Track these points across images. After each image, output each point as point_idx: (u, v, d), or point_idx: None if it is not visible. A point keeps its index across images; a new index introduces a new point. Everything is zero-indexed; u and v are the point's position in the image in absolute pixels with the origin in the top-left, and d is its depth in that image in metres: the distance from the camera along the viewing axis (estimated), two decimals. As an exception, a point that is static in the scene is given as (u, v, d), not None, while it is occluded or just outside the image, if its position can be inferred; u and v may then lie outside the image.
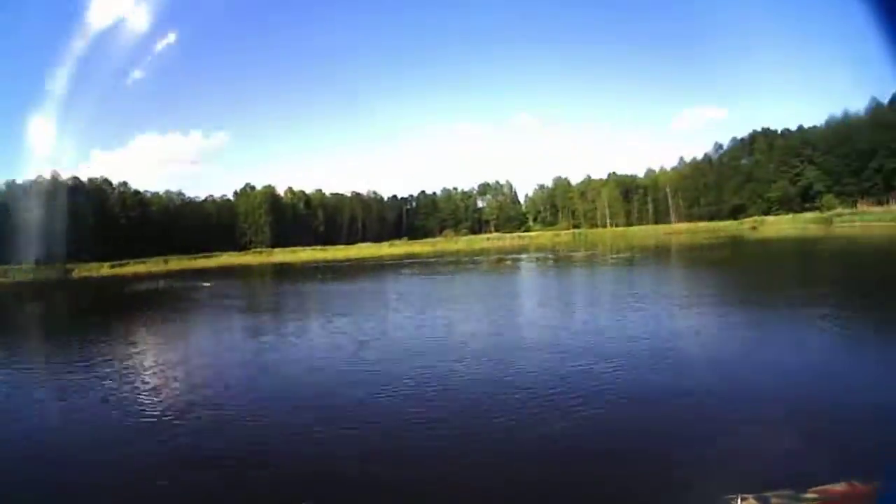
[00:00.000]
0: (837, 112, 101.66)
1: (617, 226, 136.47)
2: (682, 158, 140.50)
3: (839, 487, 4.39)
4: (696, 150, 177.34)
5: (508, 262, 53.11)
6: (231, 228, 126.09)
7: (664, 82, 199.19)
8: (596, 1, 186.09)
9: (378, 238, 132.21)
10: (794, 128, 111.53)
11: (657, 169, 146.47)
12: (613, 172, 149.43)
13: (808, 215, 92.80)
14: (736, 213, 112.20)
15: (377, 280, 45.05)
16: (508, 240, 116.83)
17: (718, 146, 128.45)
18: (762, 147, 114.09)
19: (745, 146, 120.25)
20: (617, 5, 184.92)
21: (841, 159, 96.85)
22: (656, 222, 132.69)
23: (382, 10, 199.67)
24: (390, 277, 45.70)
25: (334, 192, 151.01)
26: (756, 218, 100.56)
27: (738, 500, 4.46)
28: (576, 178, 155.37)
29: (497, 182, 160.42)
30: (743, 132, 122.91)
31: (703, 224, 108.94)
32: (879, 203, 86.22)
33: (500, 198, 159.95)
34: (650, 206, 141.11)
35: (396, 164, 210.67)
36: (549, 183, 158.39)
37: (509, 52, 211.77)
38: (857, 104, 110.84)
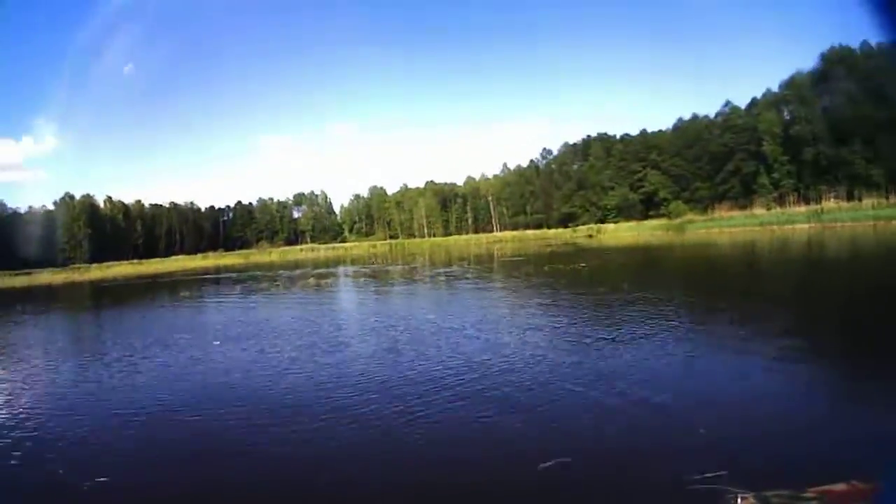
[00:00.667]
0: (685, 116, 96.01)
1: (434, 235, 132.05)
2: (505, 165, 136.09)
3: (839, 487, 4.22)
4: (523, 157, 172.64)
5: (312, 280, 40.69)
6: (51, 242, 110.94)
7: (490, 89, 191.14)
8: (414, 6, 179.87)
9: (195, 250, 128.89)
10: (635, 132, 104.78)
11: (478, 177, 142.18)
12: (431, 181, 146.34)
13: (655, 222, 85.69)
14: (566, 221, 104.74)
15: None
16: (323, 251, 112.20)
17: (547, 152, 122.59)
18: (598, 153, 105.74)
19: (577, 152, 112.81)
20: (438, 12, 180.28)
21: (690, 163, 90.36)
22: (476, 231, 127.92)
23: (200, 18, 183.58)
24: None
25: (154, 202, 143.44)
26: (592, 226, 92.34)
27: (738, 500, 4.30)
28: (393, 188, 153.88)
29: (312, 192, 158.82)
30: (573, 139, 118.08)
31: (530, 232, 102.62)
32: (742, 207, 77.04)
33: (316, 208, 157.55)
34: (469, 215, 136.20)
35: (214, 174, 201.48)
36: (365, 193, 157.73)
37: (327, 57, 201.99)
38: (708, 109, 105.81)
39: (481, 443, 7.11)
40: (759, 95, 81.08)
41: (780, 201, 72.66)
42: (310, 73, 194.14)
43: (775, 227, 60.35)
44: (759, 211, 70.94)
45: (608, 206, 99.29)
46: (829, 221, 56.59)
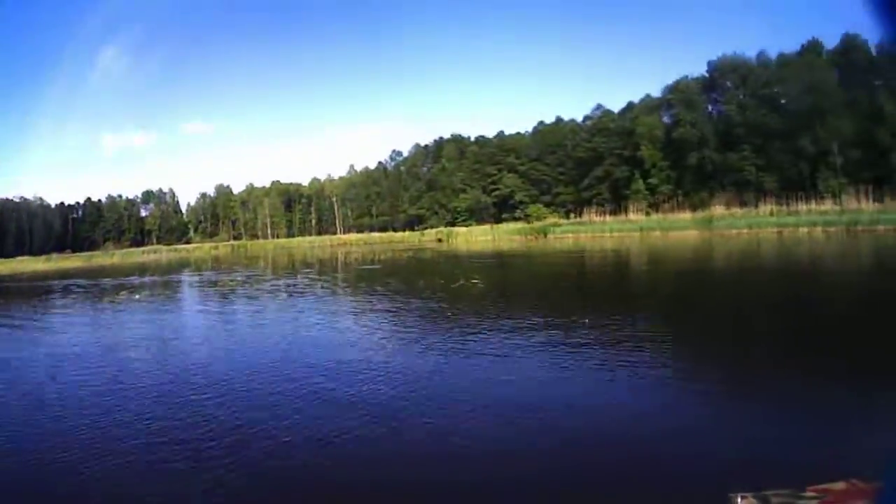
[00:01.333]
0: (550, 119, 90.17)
1: (278, 237, 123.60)
2: (352, 166, 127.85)
3: (839, 486, 4.09)
4: (373, 159, 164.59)
5: (129, 293, 30.72)
6: None
7: (336, 92, 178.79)
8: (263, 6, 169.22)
9: (43, 250, 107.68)
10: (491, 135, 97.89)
11: (323, 178, 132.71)
12: (277, 181, 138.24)
13: (511, 225, 77.42)
14: (413, 223, 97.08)
15: None
16: (166, 253, 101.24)
17: (397, 153, 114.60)
18: (451, 154, 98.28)
19: (429, 153, 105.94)
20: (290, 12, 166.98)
21: (552, 168, 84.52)
22: (320, 233, 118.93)
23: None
24: None
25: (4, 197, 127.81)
26: (442, 229, 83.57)
27: (738, 499, 4.08)
28: (239, 187, 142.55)
29: (161, 190, 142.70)
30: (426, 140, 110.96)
31: (376, 235, 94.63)
32: (614, 213, 70.74)
33: (164, 206, 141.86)
34: (314, 216, 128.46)
35: (62, 168, 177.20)
36: (211, 191, 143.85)
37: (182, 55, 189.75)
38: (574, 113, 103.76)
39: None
40: (636, 100, 77.26)
41: (656, 207, 67.89)
42: (167, 75, 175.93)
43: (658, 232, 55.61)
44: (635, 216, 65.39)
45: (459, 209, 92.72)
46: (723, 228, 51.36)
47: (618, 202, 71.80)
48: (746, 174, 61.37)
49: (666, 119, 70.62)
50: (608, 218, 67.30)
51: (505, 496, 5.52)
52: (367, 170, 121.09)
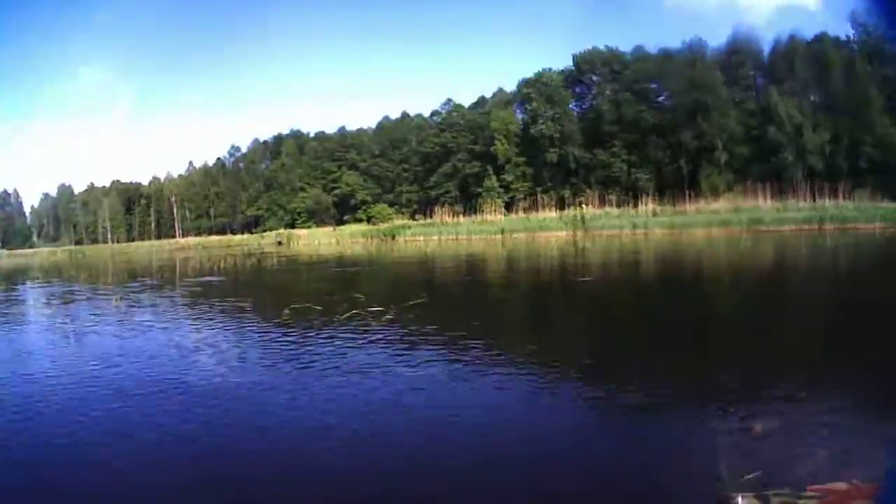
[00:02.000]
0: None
1: (119, 241, 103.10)
2: (191, 163, 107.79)
3: (839, 486, 3.78)
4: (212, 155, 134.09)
5: None
6: None
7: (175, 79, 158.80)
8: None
9: None
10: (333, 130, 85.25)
11: (163, 176, 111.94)
12: (118, 180, 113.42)
13: (355, 227, 65.40)
14: (252, 225, 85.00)
15: None
16: (5, 260, 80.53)
17: (235, 149, 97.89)
18: (291, 150, 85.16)
19: (268, 149, 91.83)
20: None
21: (396, 164, 72.77)
22: (160, 237, 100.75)
23: None
24: None
25: None
26: (282, 231, 71.25)
27: (739, 499, 3.70)
28: (82, 186, 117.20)
29: (5, 190, 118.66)
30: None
31: (214, 238, 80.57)
32: (467, 212, 58.34)
33: (8, 209, 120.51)
34: (153, 219, 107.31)
35: None
36: (53, 191, 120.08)
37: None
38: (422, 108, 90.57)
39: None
40: (488, 95, 67.55)
41: (510, 206, 57.98)
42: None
43: (522, 234, 44.59)
44: (493, 216, 53.72)
45: (298, 209, 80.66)
46: (598, 228, 41.18)
47: (468, 200, 61.49)
48: (616, 172, 53.27)
49: (523, 114, 61.50)
50: (462, 218, 55.84)
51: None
52: (206, 167, 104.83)
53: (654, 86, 54.40)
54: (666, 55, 52.80)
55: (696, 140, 49.46)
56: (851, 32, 47.50)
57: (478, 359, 7.61)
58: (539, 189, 57.29)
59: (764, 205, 40.54)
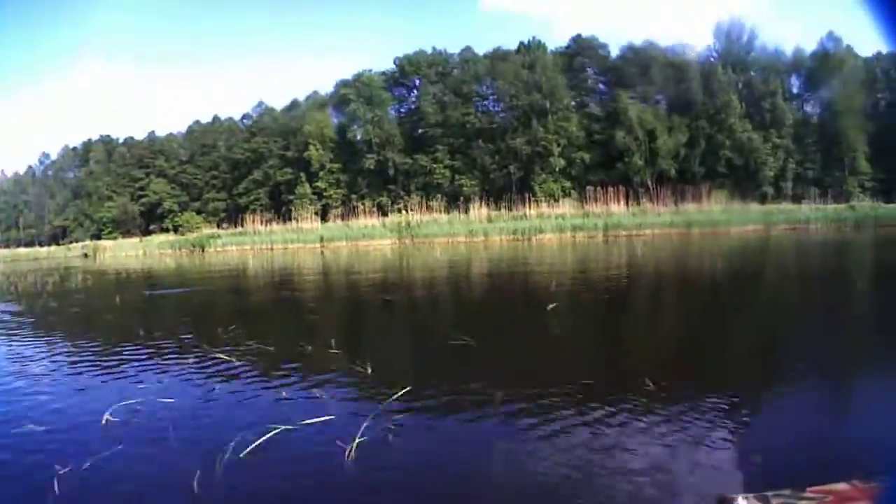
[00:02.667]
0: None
1: None
2: (2, 172, 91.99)
3: (840, 487, 3.39)
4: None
5: None
6: None
7: None
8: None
9: None
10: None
11: None
12: None
13: (163, 237, 55.28)
14: (59, 237, 73.76)
15: None
16: None
17: (45, 156, 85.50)
18: (100, 157, 73.77)
19: (77, 156, 79.69)
20: None
21: (205, 171, 62.90)
22: None
23: None
24: None
25: None
26: (88, 243, 60.69)
27: (739, 499, 3.20)
28: None
29: None
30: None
31: (22, 251, 67.90)
32: (279, 220, 49.32)
33: None
34: None
35: None
36: None
37: None
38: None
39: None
40: (301, 97, 57.94)
41: (324, 214, 49.11)
42: None
43: (344, 242, 37.14)
44: (308, 224, 44.46)
45: (105, 219, 68.87)
46: (426, 235, 34.35)
47: (279, 208, 52.22)
48: (438, 178, 44.63)
49: (340, 117, 52.62)
50: (275, 226, 46.58)
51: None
52: (17, 175, 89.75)
53: (483, 88, 46.78)
54: (501, 56, 44.68)
55: (529, 145, 41.75)
56: (713, 41, 44.38)
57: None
58: (354, 196, 47.80)
59: (618, 209, 35.60)
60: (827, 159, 42.48)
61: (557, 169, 41.35)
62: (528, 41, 45.75)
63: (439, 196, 42.56)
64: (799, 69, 44.98)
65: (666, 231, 30.86)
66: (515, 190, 40.37)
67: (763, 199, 39.75)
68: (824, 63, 42.80)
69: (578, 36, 45.19)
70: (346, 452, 3.67)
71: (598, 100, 44.75)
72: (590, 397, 4.51)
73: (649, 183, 38.50)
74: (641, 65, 41.58)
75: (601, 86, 45.44)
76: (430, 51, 48.15)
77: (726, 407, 4.34)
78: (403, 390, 4.72)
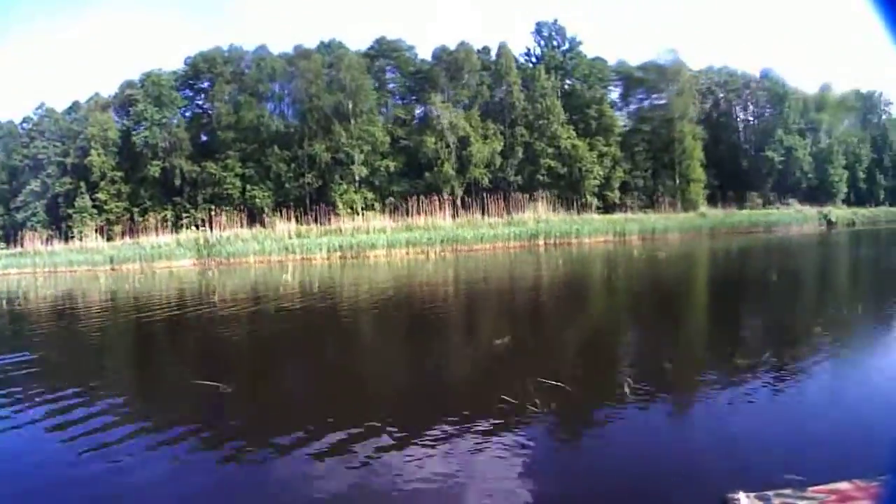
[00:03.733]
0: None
1: None
2: None
3: (841, 486, 3.67)
4: None
5: None
6: None
7: None
8: None
9: None
10: None
11: None
12: None
13: None
14: None
15: None
16: None
17: None
18: None
19: None
20: None
21: None
22: None
23: None
24: None
25: None
26: None
27: (739, 500, 3.55)
28: None
29: None
30: None
31: None
32: (60, 239, 41.61)
33: None
34: None
35: None
36: None
37: None
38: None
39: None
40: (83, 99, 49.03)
41: (105, 231, 41.49)
42: None
43: (136, 264, 31.03)
44: (94, 244, 37.13)
45: None
46: (230, 255, 28.67)
47: (58, 224, 44.06)
48: (228, 188, 38.57)
49: (124, 120, 45.45)
50: (56, 245, 39.38)
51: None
52: None
53: (279, 88, 41.48)
54: (302, 54, 39.94)
55: (329, 152, 37.05)
56: (535, 45, 41.73)
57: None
58: (136, 209, 41.63)
59: (445, 222, 32.49)
60: (658, 168, 41.87)
61: (359, 178, 36.82)
62: (329, 41, 41.69)
63: (228, 208, 37.00)
64: (626, 78, 43.94)
65: (506, 245, 29.26)
66: (311, 201, 35.39)
67: (610, 209, 38.92)
68: (658, 73, 42.19)
69: (382, 38, 41.17)
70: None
71: (401, 104, 41.28)
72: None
73: (461, 193, 35.98)
74: (455, 68, 38.26)
75: (409, 91, 41.68)
76: (226, 48, 42.35)
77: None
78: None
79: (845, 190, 48.29)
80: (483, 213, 33.44)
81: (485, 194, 34.40)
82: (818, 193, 46.36)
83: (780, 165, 45.26)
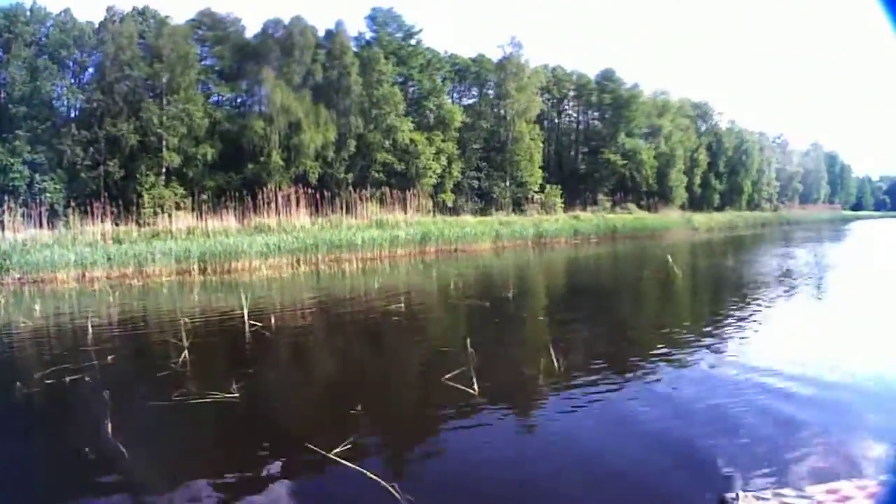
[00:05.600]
0: None
1: None
2: None
3: (841, 486, 3.81)
4: None
5: None
6: None
7: None
8: None
9: None
10: None
11: None
12: None
13: None
14: None
15: None
16: None
17: None
18: None
19: None
20: None
21: None
22: None
23: None
24: None
25: None
26: None
27: (739, 500, 3.76)
28: None
29: None
30: None
31: None
32: None
33: None
34: None
35: None
36: None
37: None
38: None
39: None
40: None
41: None
42: None
43: None
44: None
45: None
46: (29, 271, 20.45)
47: None
48: (15, 177, 30.06)
49: None
50: None
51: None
52: None
53: (86, 56, 32.94)
54: (115, 18, 32.41)
55: (136, 134, 29.98)
56: (368, 31, 37.98)
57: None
58: None
59: (303, 222, 28.09)
60: (493, 168, 40.14)
61: (170, 168, 30.47)
62: (143, 8, 34.74)
63: (15, 203, 27.90)
64: (463, 71, 41.85)
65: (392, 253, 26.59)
66: (110, 197, 27.91)
67: (487, 211, 37.60)
68: (498, 67, 40.16)
69: (208, 10, 35.18)
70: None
71: (224, 83, 34.94)
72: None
73: (285, 188, 30.51)
74: (288, 43, 33.33)
75: (233, 69, 35.49)
76: (29, 5, 33.32)
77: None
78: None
79: (684, 195, 49.91)
80: (344, 212, 30.37)
81: (324, 191, 31.08)
82: (656, 198, 47.32)
83: (623, 169, 44.79)
